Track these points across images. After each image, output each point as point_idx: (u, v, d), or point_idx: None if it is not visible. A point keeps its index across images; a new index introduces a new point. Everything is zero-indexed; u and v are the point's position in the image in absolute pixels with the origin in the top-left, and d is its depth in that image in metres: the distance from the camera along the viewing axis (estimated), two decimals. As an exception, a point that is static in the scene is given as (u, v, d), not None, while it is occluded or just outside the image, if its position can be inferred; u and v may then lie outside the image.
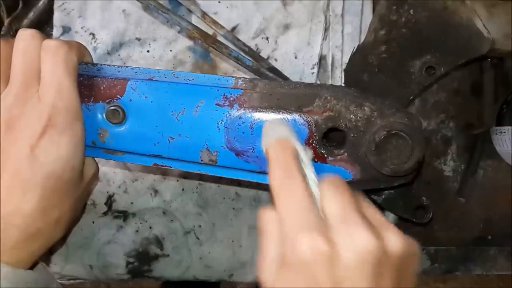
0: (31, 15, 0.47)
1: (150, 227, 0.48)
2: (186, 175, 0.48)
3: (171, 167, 0.38)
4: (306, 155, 0.30)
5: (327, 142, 0.37)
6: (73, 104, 0.33)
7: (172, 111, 0.36)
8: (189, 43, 0.48)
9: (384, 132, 0.34)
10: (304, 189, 0.28)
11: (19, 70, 0.33)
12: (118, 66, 0.37)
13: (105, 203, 0.48)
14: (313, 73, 0.47)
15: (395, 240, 0.27)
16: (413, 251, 0.28)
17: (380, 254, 0.26)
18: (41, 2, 0.47)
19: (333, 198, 0.28)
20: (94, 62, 0.38)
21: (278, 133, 0.31)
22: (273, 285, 0.27)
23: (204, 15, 0.44)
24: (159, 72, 0.37)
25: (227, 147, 0.36)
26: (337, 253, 0.25)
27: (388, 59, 0.37)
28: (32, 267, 0.35)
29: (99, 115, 0.36)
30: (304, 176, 0.29)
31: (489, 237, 0.51)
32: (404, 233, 0.30)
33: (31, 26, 0.47)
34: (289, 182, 0.28)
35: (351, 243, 0.26)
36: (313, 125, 0.35)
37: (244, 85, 0.36)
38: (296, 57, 0.48)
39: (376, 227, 0.27)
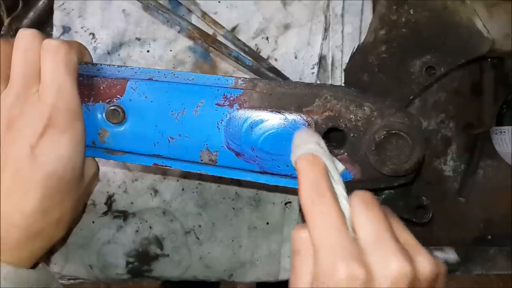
0: (31, 15, 0.47)
1: (150, 227, 0.48)
2: (186, 175, 0.48)
3: (171, 167, 0.38)
4: (336, 170, 0.30)
5: (327, 142, 0.37)
6: (73, 104, 0.33)
7: (172, 111, 0.36)
8: (189, 43, 0.48)
9: (384, 132, 0.34)
10: (336, 210, 0.28)
11: (20, 70, 0.33)
12: (118, 66, 0.37)
13: (105, 203, 0.48)
14: (313, 73, 0.47)
15: (427, 264, 0.27)
16: (441, 273, 0.29)
17: (413, 279, 0.26)
18: (41, 2, 0.47)
19: (365, 217, 0.28)
20: (94, 62, 0.38)
21: (308, 146, 0.31)
22: None
23: (204, 15, 0.44)
24: (159, 72, 0.37)
25: (227, 147, 0.36)
26: (372, 279, 0.26)
27: (388, 59, 0.37)
28: (33, 267, 0.35)
29: (99, 115, 0.36)
30: (334, 193, 0.29)
31: (489, 237, 0.51)
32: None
33: (31, 26, 0.47)
34: (320, 201, 0.28)
35: (386, 270, 0.26)
36: (313, 125, 0.35)
37: (244, 85, 0.36)
38: (296, 57, 0.48)
39: (408, 250, 0.27)
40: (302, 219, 0.29)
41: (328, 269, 0.26)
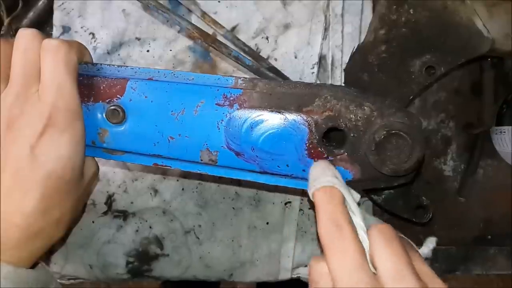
0: (31, 14, 0.47)
1: (150, 227, 0.48)
2: (186, 175, 0.48)
3: (171, 167, 0.38)
4: (353, 201, 0.30)
5: (327, 142, 0.37)
6: (73, 104, 0.33)
7: (172, 111, 0.36)
8: (189, 42, 0.48)
9: (384, 132, 0.34)
10: (355, 244, 0.28)
11: (19, 70, 0.33)
12: (118, 66, 0.37)
13: (105, 203, 0.48)
14: (313, 72, 0.47)
15: None
16: None
17: None
18: (41, 2, 0.47)
19: (385, 252, 0.27)
20: (94, 61, 0.38)
21: (325, 179, 0.31)
22: None
23: (204, 14, 0.44)
24: (159, 71, 0.37)
25: (227, 147, 0.36)
26: None
27: (388, 59, 0.37)
28: (32, 266, 0.35)
29: (99, 115, 0.36)
30: (353, 226, 0.29)
31: (489, 236, 0.51)
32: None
33: (31, 25, 0.47)
34: (339, 235, 0.28)
35: None
36: (313, 125, 0.35)
37: (244, 84, 0.36)
38: (296, 57, 0.48)
39: (426, 283, 0.27)
40: (321, 250, 0.29)
41: None
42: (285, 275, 0.49)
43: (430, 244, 0.31)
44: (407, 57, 0.37)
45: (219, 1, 0.47)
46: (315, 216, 0.30)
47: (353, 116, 0.35)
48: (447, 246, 0.51)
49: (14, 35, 0.41)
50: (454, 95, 0.50)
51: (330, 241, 0.28)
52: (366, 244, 0.28)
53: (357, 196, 0.31)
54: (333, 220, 0.29)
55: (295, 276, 0.49)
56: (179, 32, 0.48)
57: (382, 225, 0.29)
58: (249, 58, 0.40)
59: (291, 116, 0.35)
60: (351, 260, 0.27)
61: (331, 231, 0.28)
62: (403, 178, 0.37)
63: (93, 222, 0.48)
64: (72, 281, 0.50)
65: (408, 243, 0.30)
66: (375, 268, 0.28)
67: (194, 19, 0.46)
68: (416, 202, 0.42)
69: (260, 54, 0.46)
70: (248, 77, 0.37)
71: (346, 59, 0.47)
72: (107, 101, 0.36)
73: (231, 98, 0.36)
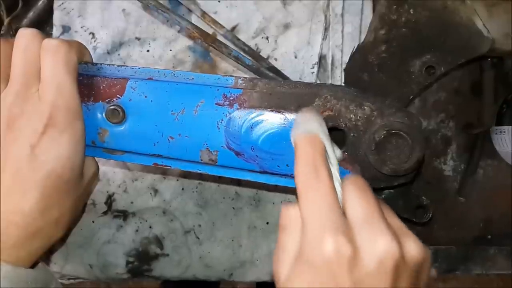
0: (30, 14, 0.47)
1: (150, 227, 0.48)
2: (186, 175, 0.48)
3: (171, 167, 0.38)
4: (333, 153, 0.30)
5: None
6: (73, 103, 0.33)
7: (172, 111, 0.36)
8: (189, 42, 0.48)
9: (384, 132, 0.34)
10: (330, 188, 0.28)
11: (19, 69, 0.33)
12: (118, 66, 0.37)
13: (105, 203, 0.48)
14: (313, 72, 0.47)
15: (414, 247, 0.27)
16: (427, 258, 0.28)
17: (399, 260, 0.26)
18: (40, 2, 0.47)
19: (357, 199, 0.28)
20: (94, 61, 0.38)
21: (309, 126, 0.31)
22: (288, 279, 0.28)
23: (204, 14, 0.44)
24: (159, 71, 0.37)
25: (227, 147, 0.36)
26: (359, 256, 0.26)
27: (388, 59, 0.37)
28: (32, 266, 0.35)
29: (99, 115, 0.36)
30: (330, 173, 0.29)
31: (489, 236, 0.51)
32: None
33: (31, 25, 0.47)
34: (315, 179, 0.28)
35: (373, 248, 0.26)
36: (313, 125, 0.35)
37: (244, 84, 0.36)
38: (296, 57, 0.48)
39: (397, 233, 0.27)
40: (296, 198, 0.29)
41: (315, 242, 0.26)
42: (285, 275, 0.49)
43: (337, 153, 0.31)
44: (407, 57, 0.37)
45: (219, 1, 0.47)
46: None
47: (353, 116, 0.35)
48: (447, 246, 0.51)
49: (14, 35, 0.41)
50: (454, 95, 0.50)
51: (305, 183, 0.28)
52: (339, 194, 0.28)
53: (339, 152, 0.31)
54: (311, 163, 0.29)
55: (295, 276, 0.49)
56: (179, 32, 0.48)
57: (356, 176, 0.29)
58: (249, 58, 0.40)
59: (291, 116, 0.35)
60: (324, 201, 0.27)
61: (308, 172, 0.28)
62: (403, 178, 0.37)
63: (93, 222, 0.48)
64: (72, 281, 0.50)
65: (380, 199, 0.30)
66: (345, 216, 0.28)
67: (194, 19, 0.46)
68: (416, 202, 0.42)
69: (260, 54, 0.46)
70: (248, 77, 0.37)
71: (346, 59, 0.47)
72: (107, 101, 0.36)
73: (231, 98, 0.36)
